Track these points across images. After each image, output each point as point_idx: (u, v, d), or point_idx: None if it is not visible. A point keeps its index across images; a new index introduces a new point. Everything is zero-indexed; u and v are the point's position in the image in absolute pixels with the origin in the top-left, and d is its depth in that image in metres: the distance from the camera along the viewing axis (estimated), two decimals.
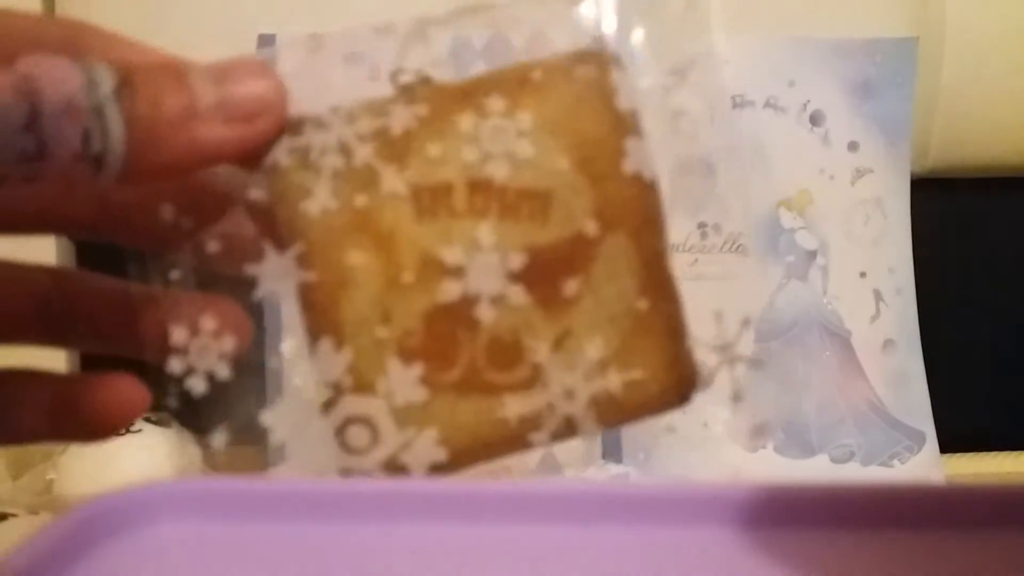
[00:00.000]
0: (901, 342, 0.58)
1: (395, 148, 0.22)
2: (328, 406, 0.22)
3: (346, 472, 0.22)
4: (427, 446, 0.22)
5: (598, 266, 0.23)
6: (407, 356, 0.22)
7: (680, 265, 0.23)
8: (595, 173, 0.23)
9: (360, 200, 0.22)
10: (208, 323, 0.22)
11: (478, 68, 0.23)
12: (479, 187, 0.22)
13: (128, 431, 0.50)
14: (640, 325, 0.23)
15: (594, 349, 0.22)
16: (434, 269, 0.22)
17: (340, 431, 0.22)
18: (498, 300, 0.22)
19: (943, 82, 0.63)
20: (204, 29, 0.60)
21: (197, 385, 0.22)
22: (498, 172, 0.22)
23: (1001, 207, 0.68)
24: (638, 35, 0.24)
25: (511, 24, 0.24)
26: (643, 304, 0.23)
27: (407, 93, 0.23)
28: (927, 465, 0.57)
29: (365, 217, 0.22)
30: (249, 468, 0.23)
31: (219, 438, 0.22)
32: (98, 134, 0.20)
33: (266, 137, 0.22)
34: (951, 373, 0.59)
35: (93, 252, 0.25)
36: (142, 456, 0.49)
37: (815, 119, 0.58)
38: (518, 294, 0.22)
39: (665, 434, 0.54)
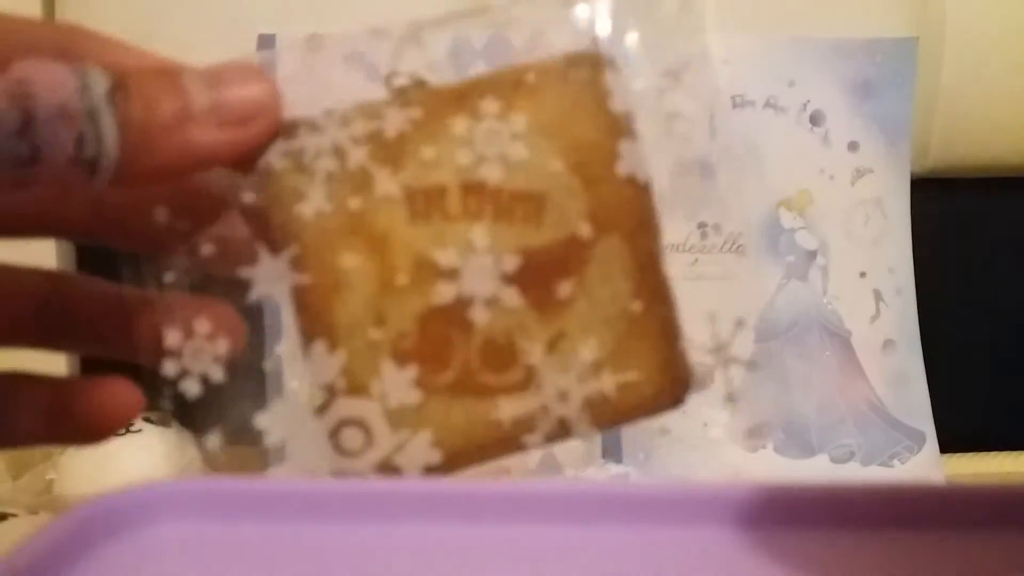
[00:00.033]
0: (901, 342, 0.58)
1: (389, 151, 0.23)
2: (322, 408, 0.22)
3: (340, 474, 0.22)
4: (421, 448, 0.22)
5: (592, 268, 0.23)
6: (401, 358, 0.22)
7: (680, 265, 0.23)
8: (589, 175, 0.23)
9: (354, 203, 0.22)
10: (202, 326, 0.22)
11: (478, 68, 0.23)
12: (473, 189, 0.22)
13: (128, 431, 0.50)
14: (634, 327, 0.23)
15: (588, 351, 0.22)
16: (428, 271, 0.22)
17: (334, 433, 0.22)
18: (492, 302, 0.22)
19: (943, 82, 0.63)
20: (204, 29, 0.60)
21: (191, 388, 0.22)
22: (492, 175, 0.22)
23: (1001, 207, 0.68)
24: (632, 37, 0.24)
25: (510, 25, 0.24)
26: (637, 306, 0.23)
27: (401, 96, 0.23)
28: (927, 465, 0.57)
29: (359, 220, 0.22)
30: (249, 468, 0.23)
31: (213, 440, 0.23)
32: (92, 138, 0.20)
33: (260, 140, 0.22)
34: (951, 373, 0.59)
35: (93, 255, 0.25)
36: (141, 456, 0.50)
37: (815, 119, 0.58)
38: (512, 296, 0.22)
39: (665, 435, 0.54)
